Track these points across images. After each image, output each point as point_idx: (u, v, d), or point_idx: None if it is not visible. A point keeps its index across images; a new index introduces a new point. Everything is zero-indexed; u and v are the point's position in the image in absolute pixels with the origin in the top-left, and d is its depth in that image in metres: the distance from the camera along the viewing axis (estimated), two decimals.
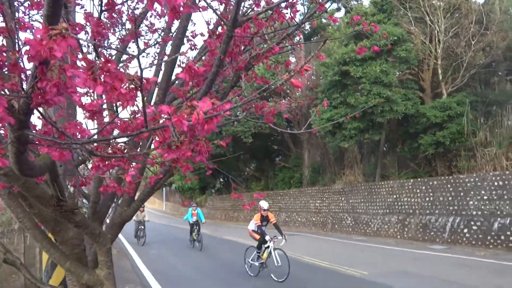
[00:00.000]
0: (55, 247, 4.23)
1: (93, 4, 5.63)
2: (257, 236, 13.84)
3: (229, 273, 14.55)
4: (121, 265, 16.09)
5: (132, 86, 1.38)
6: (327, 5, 22.50)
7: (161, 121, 1.78)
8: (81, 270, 4.21)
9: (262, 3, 4.31)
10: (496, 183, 18.12)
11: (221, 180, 51.18)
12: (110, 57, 5.65)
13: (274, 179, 41.22)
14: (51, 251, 4.17)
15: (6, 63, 1.37)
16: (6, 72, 1.67)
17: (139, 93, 1.45)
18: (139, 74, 1.43)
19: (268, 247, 13.44)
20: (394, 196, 23.91)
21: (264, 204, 14.06)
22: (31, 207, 4.05)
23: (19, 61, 1.46)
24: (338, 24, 26.94)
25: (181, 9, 1.37)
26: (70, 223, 3.73)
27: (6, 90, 1.57)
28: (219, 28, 5.04)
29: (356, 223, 26.55)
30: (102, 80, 1.30)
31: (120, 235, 27.07)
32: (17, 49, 1.47)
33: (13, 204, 4.02)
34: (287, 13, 4.09)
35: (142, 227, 25.18)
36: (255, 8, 4.33)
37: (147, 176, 4.77)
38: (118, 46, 5.70)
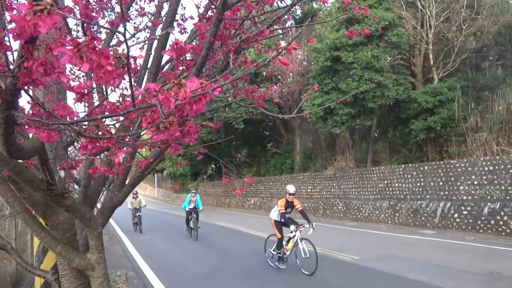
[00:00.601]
0: (45, 231, 4.22)
1: None
2: (278, 234, 12.58)
3: (222, 259, 14.55)
4: (112, 251, 16.10)
5: (119, 64, 1.37)
6: None
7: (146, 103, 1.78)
8: (72, 254, 4.21)
9: None
10: (486, 168, 18.23)
11: (213, 166, 51.29)
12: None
13: (266, 165, 41.31)
14: (41, 235, 4.16)
15: None
16: None
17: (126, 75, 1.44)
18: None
19: (294, 236, 12.22)
20: (386, 182, 24.02)
21: (290, 188, 12.44)
22: (21, 191, 4.03)
23: (5, 39, 1.45)
24: (329, 9, 26.88)
25: None
26: (61, 207, 3.72)
27: None
28: (209, 12, 5.01)
29: (348, 208, 26.67)
30: (88, 58, 1.29)
31: (112, 222, 27.02)
32: (2, 28, 1.45)
33: (3, 188, 4.00)
34: None
35: (139, 213, 23.83)
36: None
37: (137, 161, 4.76)
38: (107, 30, 5.66)
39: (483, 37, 24.16)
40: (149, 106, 1.54)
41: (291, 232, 12.24)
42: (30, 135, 3.57)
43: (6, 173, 3.56)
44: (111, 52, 1.33)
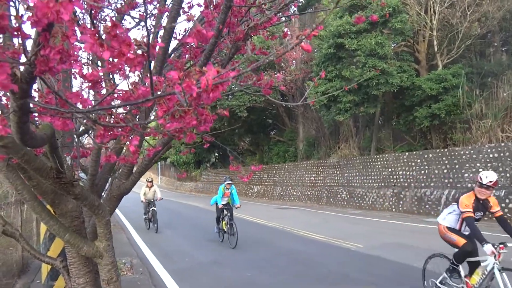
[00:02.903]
0: (54, 219, 4.23)
1: None
2: (460, 240, 7.56)
3: (223, 247, 14.57)
4: (117, 238, 16.15)
5: (139, 51, 1.36)
6: None
7: (161, 91, 1.77)
8: (81, 242, 4.22)
9: None
10: (491, 155, 18.21)
11: (216, 154, 51.32)
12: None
13: (269, 153, 41.34)
14: (50, 223, 4.17)
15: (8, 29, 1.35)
16: (7, 38, 1.65)
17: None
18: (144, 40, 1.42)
19: (487, 264, 7.11)
20: (389, 170, 24.03)
21: (490, 175, 7.26)
22: (30, 179, 4.04)
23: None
24: None
25: None
26: (70, 195, 3.72)
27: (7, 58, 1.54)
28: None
29: (351, 196, 26.72)
30: (109, 45, 1.28)
31: (118, 212, 26.81)
32: (19, 15, 1.44)
33: (12, 176, 4.00)
34: None
35: (154, 208, 19.25)
36: None
37: (145, 149, 4.76)
38: (114, 17, 5.63)
39: (488, 23, 24.03)
40: (168, 94, 1.54)
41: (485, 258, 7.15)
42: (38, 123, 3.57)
43: (16, 161, 3.56)
44: (132, 39, 1.32)
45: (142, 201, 19.80)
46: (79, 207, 4.55)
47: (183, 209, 29.39)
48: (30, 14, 1.31)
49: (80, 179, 4.53)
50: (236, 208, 15.36)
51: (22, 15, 1.41)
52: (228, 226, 15.05)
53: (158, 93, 1.62)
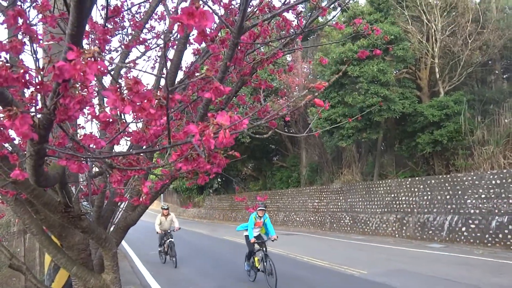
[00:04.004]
0: (61, 252, 4.25)
1: (97, 10, 5.64)
2: None
3: (231, 273, 14.49)
4: (120, 267, 16.04)
5: (159, 105, 1.41)
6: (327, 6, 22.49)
7: (174, 131, 1.82)
8: (88, 274, 4.24)
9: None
10: (494, 182, 18.19)
11: (219, 180, 51.23)
12: (112, 60, 5.67)
13: (272, 178, 41.25)
14: (57, 256, 4.19)
15: (31, 82, 1.40)
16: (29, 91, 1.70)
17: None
18: (150, 84, 1.46)
19: None
20: (392, 195, 23.98)
21: None
22: (37, 213, 4.07)
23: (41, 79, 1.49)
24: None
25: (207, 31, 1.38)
26: (77, 228, 3.75)
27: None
28: (222, 32, 5.06)
29: (355, 222, 26.61)
30: (130, 100, 1.33)
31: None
32: (40, 69, 1.49)
33: (20, 210, 4.04)
34: (293, 21, 4.10)
35: (171, 239, 16.71)
36: (258, 13, 4.33)
37: (152, 181, 4.78)
38: (120, 50, 5.71)
39: (489, 51, 24.22)
40: (185, 143, 1.58)
41: None
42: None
43: (24, 196, 3.60)
44: (152, 93, 1.37)
45: (157, 232, 16.96)
46: (86, 240, 4.57)
47: (186, 236, 29.29)
48: (50, 66, 1.35)
49: (88, 212, 4.55)
50: (272, 240, 12.42)
51: (43, 68, 1.46)
52: (264, 263, 12.23)
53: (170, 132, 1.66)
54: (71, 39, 1.44)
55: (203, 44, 4.13)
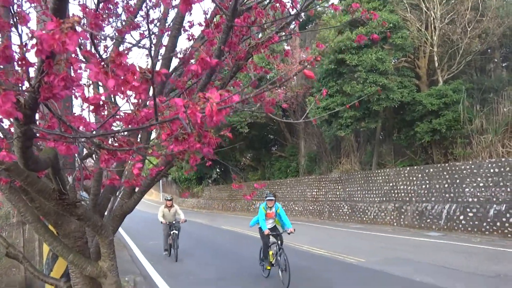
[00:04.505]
0: (58, 240, 4.23)
1: None
2: None
3: (231, 263, 14.49)
4: (120, 256, 16.06)
5: (144, 79, 1.37)
6: None
7: (165, 113, 1.78)
8: (84, 262, 4.22)
9: None
10: (492, 170, 18.19)
11: (218, 170, 51.24)
12: (106, 48, 5.63)
13: (271, 168, 41.25)
14: (53, 244, 4.17)
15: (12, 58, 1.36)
16: (10, 68, 1.66)
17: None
18: (144, 66, 1.43)
19: None
20: (391, 184, 23.98)
21: None
22: (32, 201, 4.04)
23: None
24: (333, 12, 26.82)
25: None
26: (73, 216, 3.73)
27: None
28: (217, 18, 5.01)
29: (353, 211, 26.63)
30: (114, 73, 1.29)
31: (120, 229, 26.58)
32: (23, 44, 1.45)
33: (14, 198, 4.01)
34: (287, 1, 4.06)
35: (175, 231, 15.82)
36: None
37: (147, 168, 4.76)
38: (114, 36, 5.66)
39: (488, 39, 24.10)
40: (172, 119, 1.54)
41: None
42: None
43: (18, 184, 3.57)
44: (137, 66, 1.33)
45: (161, 222, 16.04)
46: (82, 228, 4.55)
47: (185, 226, 29.25)
48: (34, 42, 1.32)
49: (83, 199, 4.52)
50: (288, 233, 11.23)
51: (26, 44, 1.43)
52: (278, 257, 11.28)
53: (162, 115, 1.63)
54: (54, 13, 1.40)
55: (199, 31, 4.09)
